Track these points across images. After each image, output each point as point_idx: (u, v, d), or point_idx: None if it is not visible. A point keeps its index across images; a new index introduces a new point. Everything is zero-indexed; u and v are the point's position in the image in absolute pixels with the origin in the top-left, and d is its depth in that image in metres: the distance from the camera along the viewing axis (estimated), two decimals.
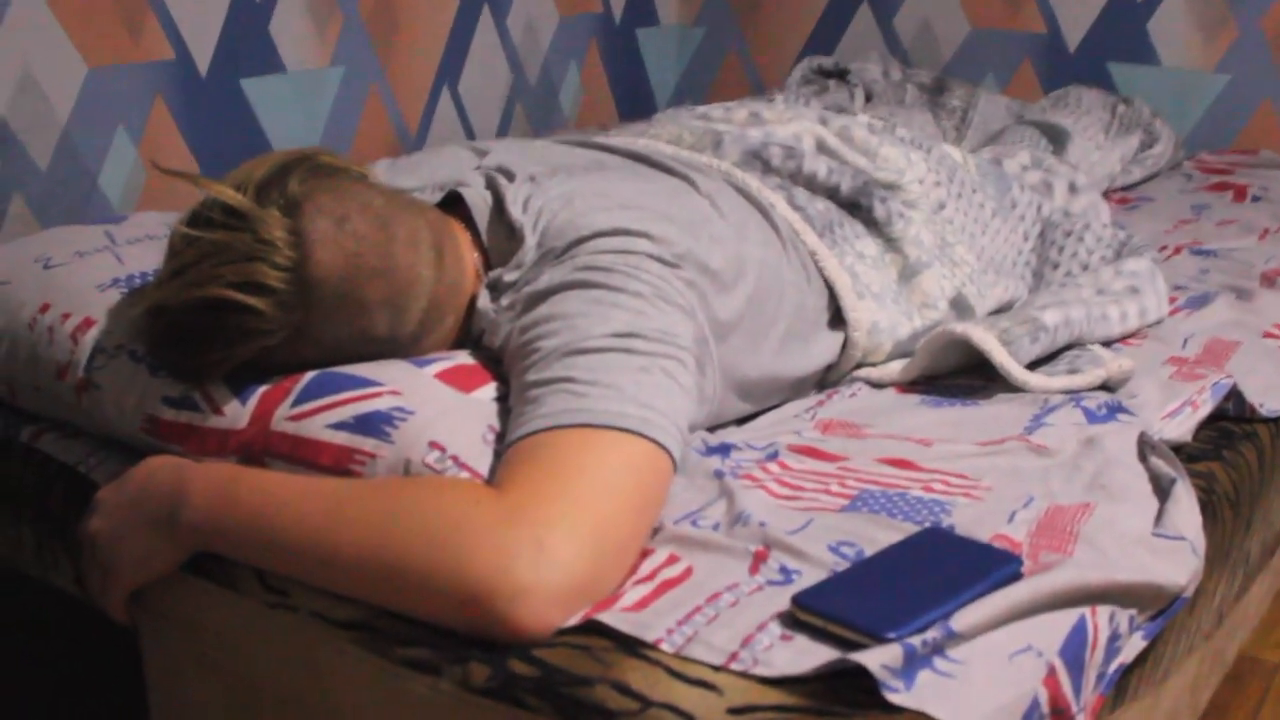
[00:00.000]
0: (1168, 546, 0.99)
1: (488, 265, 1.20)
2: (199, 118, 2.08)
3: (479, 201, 1.22)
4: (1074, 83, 2.55)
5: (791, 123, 1.60)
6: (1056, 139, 2.12)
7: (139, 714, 1.15)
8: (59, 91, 1.88)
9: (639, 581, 0.94)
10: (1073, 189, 1.87)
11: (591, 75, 2.91)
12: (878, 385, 1.39)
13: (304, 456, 1.03)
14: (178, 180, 1.06)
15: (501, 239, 1.19)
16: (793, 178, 1.48)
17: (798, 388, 1.34)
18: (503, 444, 1.00)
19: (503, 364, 1.11)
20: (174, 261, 1.03)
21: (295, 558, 0.95)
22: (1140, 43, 2.61)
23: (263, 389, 1.07)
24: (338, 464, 1.02)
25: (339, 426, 1.03)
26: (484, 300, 1.15)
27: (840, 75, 2.66)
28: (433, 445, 1.01)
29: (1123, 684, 0.98)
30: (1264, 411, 1.29)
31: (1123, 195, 2.26)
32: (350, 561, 0.92)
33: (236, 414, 1.06)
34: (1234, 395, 1.27)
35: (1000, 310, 1.56)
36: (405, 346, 1.12)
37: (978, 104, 2.46)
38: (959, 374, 1.38)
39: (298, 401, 1.05)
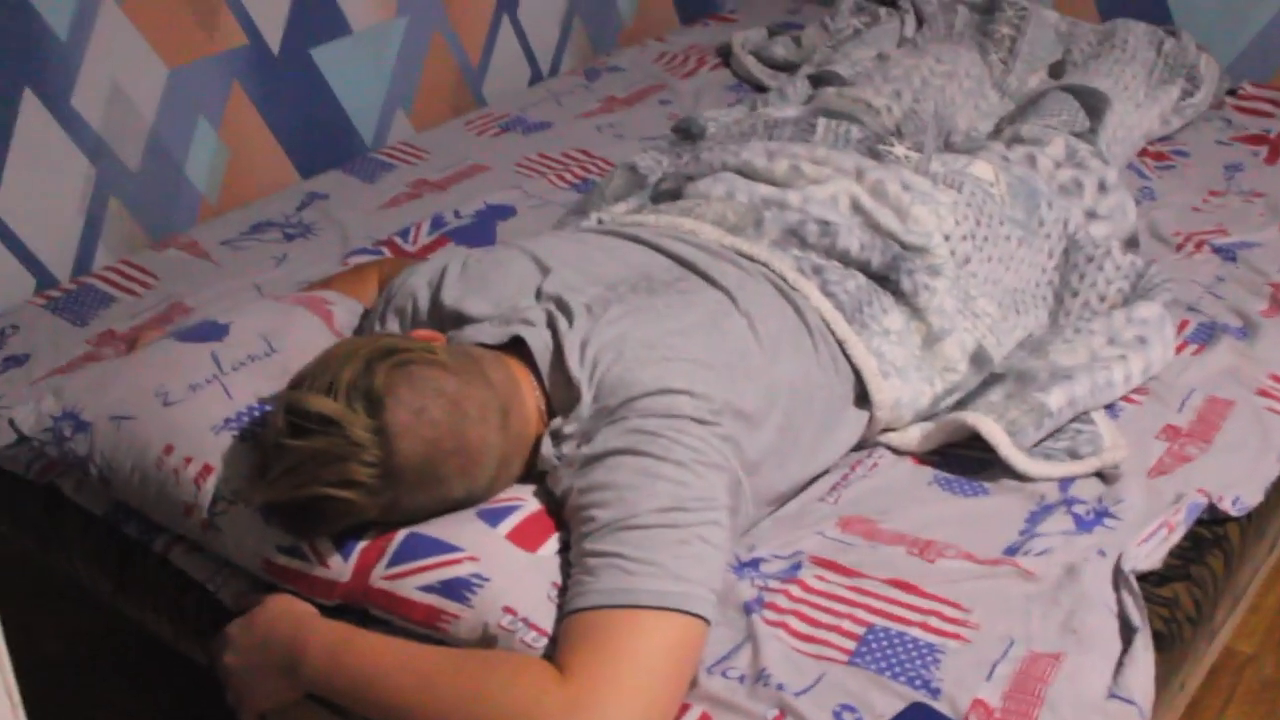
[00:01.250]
0: (1119, 711, 1.18)
1: (549, 403, 1.37)
2: (274, 94, 2.21)
3: (541, 348, 1.37)
4: (1126, 8, 2.59)
5: (829, 182, 1.71)
6: (1094, 110, 2.18)
7: None
8: (144, 96, 2.01)
9: None
10: (1102, 187, 1.96)
11: None
12: (898, 451, 1.56)
13: (399, 611, 1.24)
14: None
15: (561, 386, 1.35)
16: (827, 253, 1.61)
17: (826, 471, 1.51)
18: (563, 606, 1.20)
19: (563, 510, 1.29)
20: (279, 465, 1.21)
21: (393, 714, 1.16)
22: None
23: (361, 546, 1.26)
24: (428, 621, 1.23)
25: (428, 589, 1.23)
26: (547, 448, 1.33)
27: (892, 1, 2.69)
28: (506, 610, 1.21)
29: None
30: (1235, 511, 1.45)
31: (1159, 149, 2.33)
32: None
33: (340, 567, 1.26)
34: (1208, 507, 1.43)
35: (1021, 345, 1.72)
36: (480, 498, 1.30)
37: (1026, 31, 2.51)
38: (971, 444, 1.54)
39: (392, 563, 1.24)
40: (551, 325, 1.40)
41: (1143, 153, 2.32)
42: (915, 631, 1.26)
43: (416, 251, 1.97)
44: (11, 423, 1.45)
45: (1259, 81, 2.57)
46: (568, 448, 1.31)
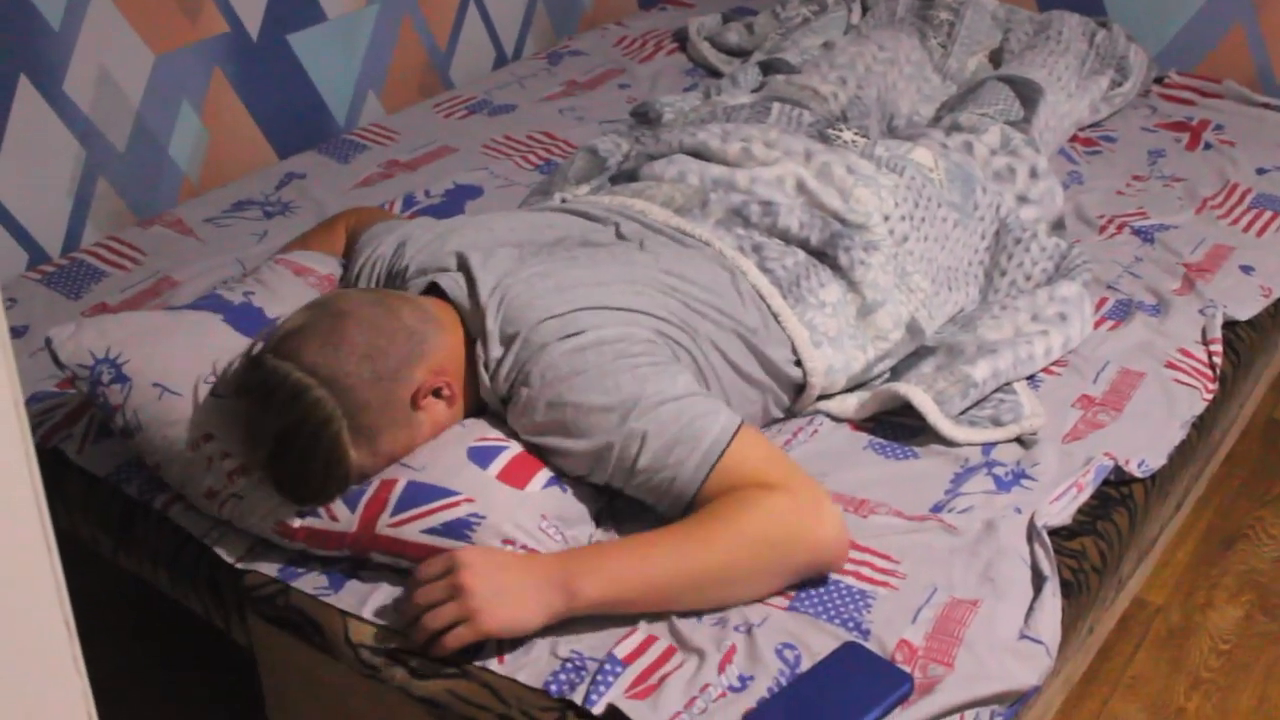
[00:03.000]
0: (1029, 650, 1.33)
1: (468, 332, 1.50)
2: (253, 79, 2.32)
3: (451, 285, 1.51)
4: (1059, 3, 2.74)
5: (777, 164, 1.85)
6: (1029, 99, 2.32)
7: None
8: (131, 82, 2.12)
9: (649, 669, 1.29)
10: (1033, 174, 2.11)
11: None
12: (836, 419, 1.70)
13: (406, 553, 1.37)
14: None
15: (477, 318, 1.49)
16: (768, 232, 1.75)
17: (778, 379, 1.64)
18: (680, 503, 1.39)
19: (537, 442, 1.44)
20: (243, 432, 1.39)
21: (679, 593, 1.33)
22: None
23: (365, 499, 1.39)
24: None
25: (430, 532, 1.36)
26: (486, 393, 1.47)
27: None
28: (505, 542, 1.35)
29: None
30: (1140, 472, 1.60)
31: (1088, 135, 2.49)
32: (722, 575, 1.33)
33: (348, 520, 1.38)
34: (1115, 469, 1.58)
35: (950, 319, 1.87)
36: (409, 371, 1.40)
37: (965, 16, 2.65)
38: (903, 412, 1.68)
39: (395, 511, 1.37)
40: (464, 266, 1.53)
41: (1073, 139, 2.47)
42: (849, 580, 1.41)
43: None
44: (48, 341, 1.52)
45: (1184, 70, 2.73)
46: (501, 383, 1.45)
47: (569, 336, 1.43)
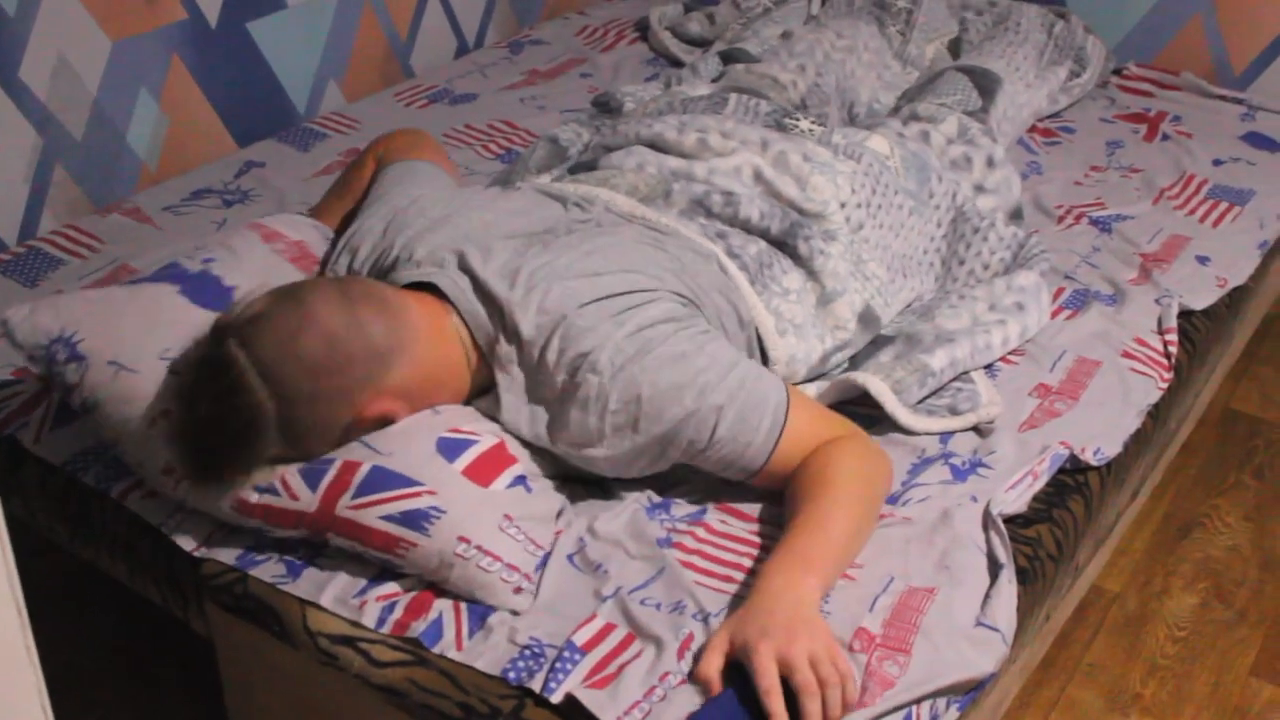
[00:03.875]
0: (984, 637, 1.34)
1: (473, 334, 1.48)
2: (212, 66, 2.30)
3: (450, 285, 1.49)
4: None
5: (734, 154, 1.85)
6: (987, 90, 2.33)
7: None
8: (88, 69, 2.10)
9: (607, 657, 1.29)
10: (990, 163, 2.13)
11: None
12: None
13: (360, 538, 1.37)
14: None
15: (487, 316, 1.48)
16: (730, 222, 1.76)
17: None
18: (751, 467, 1.45)
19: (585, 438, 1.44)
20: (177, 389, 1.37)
21: (848, 552, 1.39)
22: None
23: (327, 480, 1.38)
24: (386, 547, 1.36)
25: (388, 519, 1.35)
26: (516, 402, 1.46)
27: None
28: (461, 539, 1.34)
29: None
30: (1095, 461, 1.62)
31: (1047, 126, 2.50)
32: (861, 524, 1.41)
33: (308, 499, 1.37)
34: (1070, 457, 1.60)
35: (908, 308, 1.88)
36: (383, 377, 1.39)
37: (922, 3, 2.66)
38: (862, 401, 1.69)
39: (356, 494, 1.36)
40: (465, 267, 1.52)
41: (1032, 129, 2.49)
42: None
43: None
44: (5, 324, 1.52)
45: (1142, 62, 2.75)
46: (557, 378, 1.43)
47: (621, 319, 1.44)
